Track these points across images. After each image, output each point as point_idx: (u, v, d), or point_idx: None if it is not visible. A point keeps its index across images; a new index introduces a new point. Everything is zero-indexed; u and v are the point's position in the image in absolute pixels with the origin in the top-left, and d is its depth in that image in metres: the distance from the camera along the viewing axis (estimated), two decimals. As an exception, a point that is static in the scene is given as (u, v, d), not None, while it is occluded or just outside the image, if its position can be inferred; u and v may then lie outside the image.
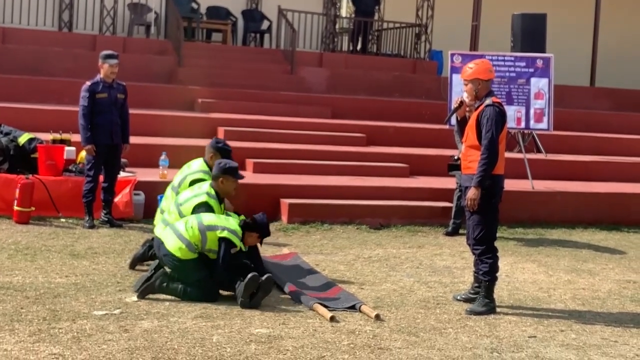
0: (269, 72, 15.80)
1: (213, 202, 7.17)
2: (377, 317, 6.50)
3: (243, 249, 6.95)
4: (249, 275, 6.62)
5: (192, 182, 7.62)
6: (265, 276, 6.73)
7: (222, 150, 7.87)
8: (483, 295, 6.93)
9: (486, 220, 6.97)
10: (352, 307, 6.70)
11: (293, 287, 7.10)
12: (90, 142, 9.33)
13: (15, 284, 6.80)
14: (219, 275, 6.77)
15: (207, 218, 6.92)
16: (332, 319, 6.38)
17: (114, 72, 9.52)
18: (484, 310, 6.86)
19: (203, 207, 7.12)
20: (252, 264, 7.11)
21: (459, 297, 7.23)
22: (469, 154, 7.02)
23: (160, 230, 7.20)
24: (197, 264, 6.78)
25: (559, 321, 6.84)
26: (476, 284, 7.20)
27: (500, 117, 6.87)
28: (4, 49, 14.26)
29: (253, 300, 6.64)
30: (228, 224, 6.90)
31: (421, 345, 5.98)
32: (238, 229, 6.94)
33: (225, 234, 6.80)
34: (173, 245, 6.80)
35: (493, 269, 6.95)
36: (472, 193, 6.88)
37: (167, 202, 7.73)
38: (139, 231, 9.24)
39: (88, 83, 9.51)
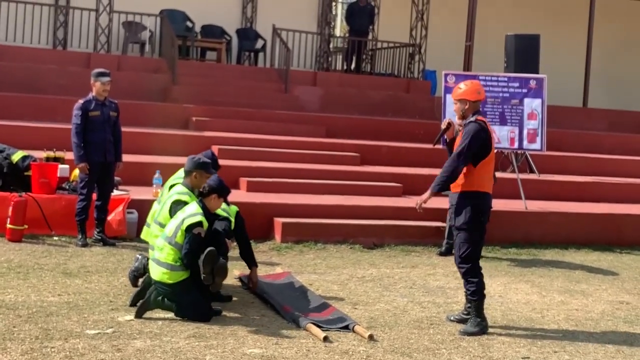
0: (263, 91, 15.84)
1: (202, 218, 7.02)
2: (371, 337, 6.49)
3: (204, 224, 6.81)
4: (205, 251, 6.62)
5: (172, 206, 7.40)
6: (220, 261, 6.72)
7: (204, 165, 7.47)
8: (474, 315, 6.93)
9: (472, 238, 6.99)
10: (346, 327, 6.68)
11: (287, 307, 7.08)
12: (83, 160, 9.32)
13: (8, 303, 6.77)
14: (187, 262, 6.71)
15: (168, 228, 6.89)
16: (326, 339, 6.36)
17: (107, 89, 9.53)
18: (477, 330, 6.86)
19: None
20: (217, 249, 6.91)
21: (452, 318, 7.22)
22: None
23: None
24: (186, 286, 6.74)
25: (552, 342, 6.84)
26: (468, 305, 7.20)
27: (479, 132, 6.89)
28: (-2, 67, 14.27)
29: (213, 285, 6.72)
30: (184, 212, 6.87)
31: (415, 366, 5.96)
32: (196, 208, 6.88)
33: (185, 223, 6.76)
34: (157, 273, 6.78)
35: (480, 288, 6.95)
36: (424, 195, 7.06)
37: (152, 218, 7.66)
38: (132, 250, 9.21)
39: (81, 101, 9.51)
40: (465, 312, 7.17)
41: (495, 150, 11.60)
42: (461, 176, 6.97)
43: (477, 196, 6.95)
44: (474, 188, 6.95)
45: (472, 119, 6.98)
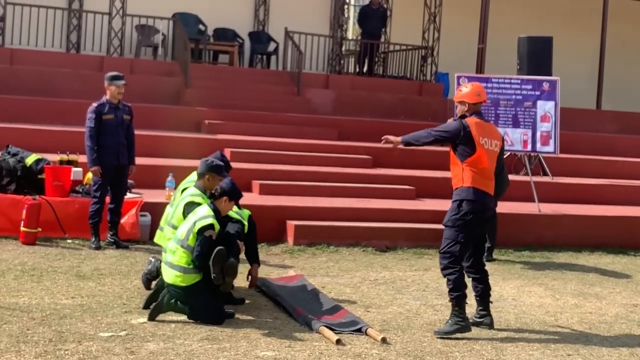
0: (275, 94, 15.85)
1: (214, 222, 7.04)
2: (384, 340, 6.48)
3: (216, 226, 6.82)
4: (215, 250, 6.63)
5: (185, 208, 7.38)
6: (230, 261, 6.71)
7: (216, 168, 7.53)
8: (453, 314, 6.85)
9: (456, 236, 6.95)
10: (358, 330, 6.68)
11: (300, 310, 7.08)
12: (96, 163, 9.35)
13: (22, 305, 6.80)
14: (199, 264, 6.71)
15: (180, 231, 6.90)
16: (338, 342, 6.36)
17: (121, 93, 9.56)
18: (452, 330, 6.77)
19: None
20: (228, 251, 6.90)
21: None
22: (452, 170, 7.21)
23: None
24: (199, 289, 6.74)
25: (565, 345, 6.81)
26: (480, 307, 7.18)
27: (456, 127, 7.05)
28: (12, 70, 14.35)
29: (223, 285, 6.72)
30: (196, 214, 6.88)
31: (428, 369, 5.95)
32: (207, 210, 6.89)
33: (196, 225, 6.77)
34: (170, 276, 6.79)
35: (457, 286, 6.86)
36: (396, 139, 7.34)
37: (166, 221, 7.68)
38: (145, 252, 9.23)
39: (94, 104, 9.54)
40: (477, 315, 7.16)
41: (508, 153, 11.70)
42: (455, 174, 7.11)
43: (465, 192, 6.97)
44: (462, 184, 7.03)
45: (459, 119, 7.17)
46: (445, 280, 7.02)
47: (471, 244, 7.11)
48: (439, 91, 17.61)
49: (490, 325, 7.15)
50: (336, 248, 10.21)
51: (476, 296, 7.20)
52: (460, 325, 6.81)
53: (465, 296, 6.91)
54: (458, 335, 6.84)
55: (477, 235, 7.13)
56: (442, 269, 7.02)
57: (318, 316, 6.92)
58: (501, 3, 18.23)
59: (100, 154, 9.39)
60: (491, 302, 7.24)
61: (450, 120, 7.50)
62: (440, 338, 6.69)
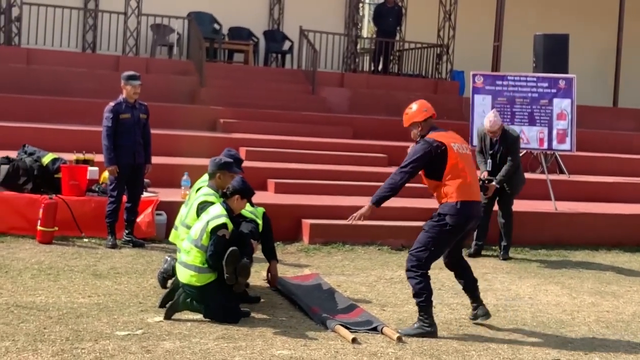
0: (290, 93, 15.85)
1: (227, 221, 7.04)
2: (399, 339, 6.47)
3: (229, 226, 6.81)
4: (228, 251, 6.62)
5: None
6: (243, 261, 6.69)
7: (226, 165, 7.57)
8: (419, 317, 6.72)
9: (427, 242, 6.75)
10: (374, 329, 6.67)
11: (315, 309, 7.07)
12: (113, 162, 9.38)
13: (39, 304, 6.83)
14: (212, 264, 6.71)
15: (194, 231, 6.91)
16: (354, 340, 6.35)
17: (137, 92, 9.58)
18: (414, 332, 6.63)
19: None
20: (242, 251, 6.88)
21: (471, 317, 7.16)
22: (434, 192, 6.95)
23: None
24: (214, 288, 6.75)
25: (582, 344, 6.78)
26: (470, 301, 7.15)
27: (424, 151, 6.73)
28: (28, 70, 14.42)
29: (236, 285, 6.69)
30: (208, 214, 6.88)
31: (444, 368, 5.94)
32: (220, 210, 6.88)
33: (209, 225, 6.77)
34: (184, 276, 6.80)
35: (418, 292, 6.68)
36: (363, 209, 6.88)
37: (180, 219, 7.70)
38: (161, 251, 9.25)
39: (111, 104, 9.56)
40: (472, 312, 7.12)
41: (524, 151, 11.66)
42: (436, 194, 6.86)
43: (450, 207, 6.71)
44: (447, 199, 6.76)
45: (422, 140, 6.86)
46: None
47: (444, 252, 6.92)
48: (455, 89, 17.57)
49: (486, 316, 7.07)
50: (352, 247, 10.20)
51: (463, 289, 7.15)
52: (424, 330, 6.64)
53: (429, 303, 6.69)
54: (474, 333, 6.82)
55: (454, 242, 6.94)
56: (406, 270, 6.84)
57: (334, 315, 6.92)
58: (517, 0, 18.16)
59: (117, 153, 9.41)
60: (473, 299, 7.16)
61: (410, 149, 7.01)
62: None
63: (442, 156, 6.75)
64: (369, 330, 6.65)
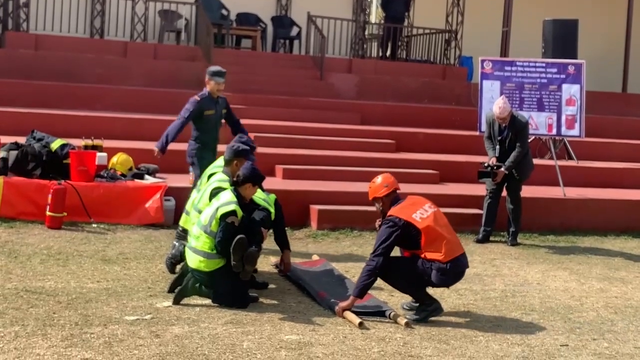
0: (298, 78, 15.82)
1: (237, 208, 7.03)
2: (407, 324, 6.48)
3: (239, 213, 6.81)
4: (235, 239, 6.62)
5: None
6: (250, 249, 6.68)
7: (244, 152, 7.59)
8: (419, 305, 6.76)
9: (407, 264, 6.77)
10: (382, 314, 6.68)
11: (323, 293, 7.09)
12: (164, 149, 8.95)
13: (48, 289, 6.86)
14: (221, 250, 6.71)
15: (203, 216, 6.91)
16: (361, 325, 6.36)
17: (221, 89, 9.08)
18: (422, 317, 6.65)
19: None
20: (251, 239, 6.86)
21: (405, 306, 7.04)
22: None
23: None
24: (223, 273, 6.76)
25: (591, 329, 6.78)
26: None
27: (392, 233, 6.66)
28: (36, 56, 14.42)
29: (243, 273, 6.68)
30: (219, 200, 6.88)
31: (452, 353, 5.95)
32: (230, 197, 6.87)
33: (219, 211, 6.77)
34: (193, 261, 6.82)
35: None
36: (346, 302, 6.63)
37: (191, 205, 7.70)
38: (170, 237, 9.27)
39: (197, 98, 8.98)
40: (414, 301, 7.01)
41: (533, 137, 11.62)
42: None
43: (437, 266, 6.65)
44: (431, 258, 6.69)
45: (386, 220, 6.77)
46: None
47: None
48: (463, 75, 17.50)
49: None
50: (360, 232, 10.20)
51: None
52: (427, 311, 6.68)
53: (418, 289, 6.74)
54: (482, 319, 6.83)
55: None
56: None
57: (342, 300, 6.92)
58: (526, -15, 18.07)
59: (200, 151, 8.95)
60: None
61: (378, 231, 6.85)
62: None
63: (412, 229, 6.68)
64: (376, 315, 6.65)
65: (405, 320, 6.52)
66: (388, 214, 6.82)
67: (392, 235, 6.66)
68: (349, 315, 6.55)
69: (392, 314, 6.66)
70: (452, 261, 6.71)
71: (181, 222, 7.94)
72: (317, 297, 7.08)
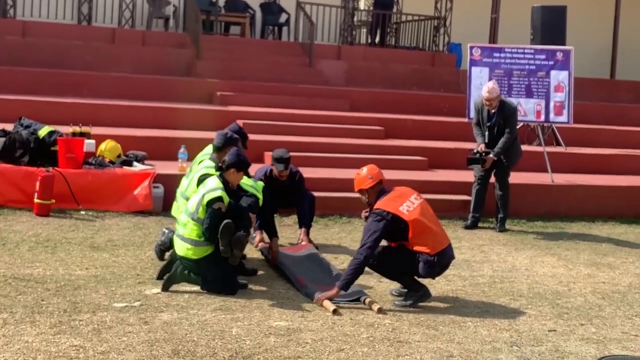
0: (287, 65, 15.80)
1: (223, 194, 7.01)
2: (380, 310, 6.46)
3: (225, 199, 6.80)
4: (222, 223, 6.61)
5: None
6: (238, 234, 6.67)
7: (235, 141, 7.62)
8: (407, 292, 6.82)
9: (394, 253, 6.79)
10: (357, 300, 6.66)
11: (302, 280, 7.07)
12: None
13: (36, 276, 6.85)
14: (209, 237, 6.70)
15: (190, 204, 6.91)
16: (335, 312, 6.35)
17: (282, 176, 8.79)
18: (410, 302, 6.68)
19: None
20: (238, 224, 6.84)
21: (394, 292, 7.05)
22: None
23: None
24: (211, 260, 6.75)
25: (579, 315, 6.81)
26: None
27: (379, 225, 6.63)
28: (24, 43, 14.35)
29: (231, 258, 6.67)
30: (205, 186, 6.88)
31: (440, 338, 5.97)
32: (216, 183, 6.86)
33: (205, 198, 6.76)
34: (181, 249, 6.81)
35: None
36: (330, 292, 6.57)
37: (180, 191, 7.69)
38: (158, 224, 9.26)
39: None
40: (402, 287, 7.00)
41: (521, 124, 11.64)
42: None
43: (425, 258, 6.68)
44: (418, 250, 6.71)
45: (373, 213, 6.75)
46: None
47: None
48: (452, 62, 17.52)
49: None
50: (348, 219, 10.21)
51: None
52: (416, 296, 6.72)
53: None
54: (470, 305, 6.85)
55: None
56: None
57: (320, 286, 6.86)
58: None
59: None
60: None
61: (365, 225, 6.83)
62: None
63: (400, 222, 6.68)
64: (350, 301, 6.62)
65: (378, 306, 6.47)
66: (375, 206, 6.81)
67: (380, 229, 6.65)
68: (325, 302, 6.52)
69: (367, 299, 6.63)
70: (439, 254, 6.74)
71: (172, 211, 7.93)
72: (295, 283, 7.06)
